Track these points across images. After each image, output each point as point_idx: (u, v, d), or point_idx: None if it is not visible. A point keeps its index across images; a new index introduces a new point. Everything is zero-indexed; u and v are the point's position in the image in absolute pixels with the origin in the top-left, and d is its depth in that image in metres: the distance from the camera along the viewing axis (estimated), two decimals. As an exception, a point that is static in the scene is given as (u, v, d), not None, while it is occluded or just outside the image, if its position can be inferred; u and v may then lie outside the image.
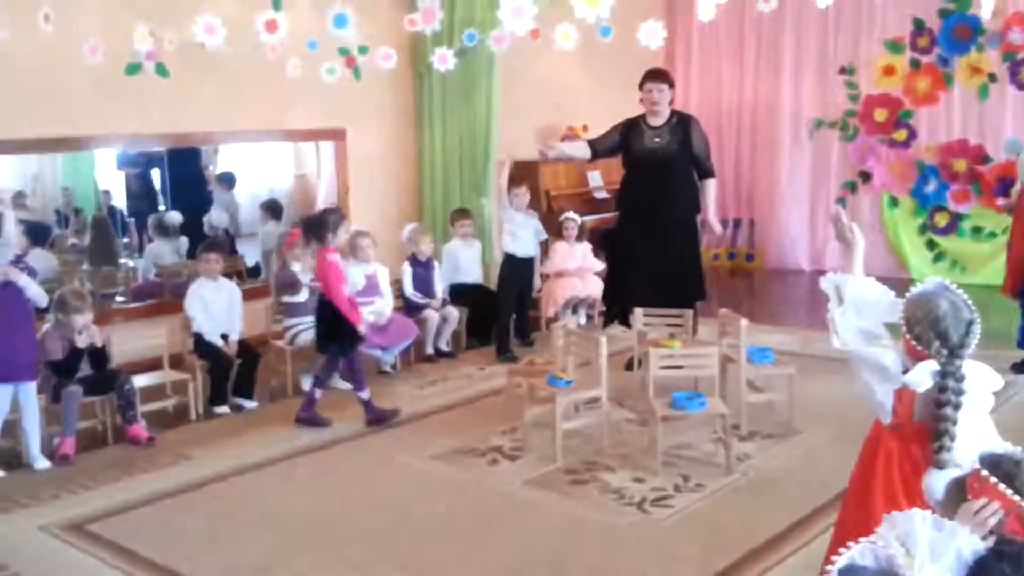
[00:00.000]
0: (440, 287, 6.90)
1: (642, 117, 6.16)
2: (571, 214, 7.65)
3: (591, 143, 6.37)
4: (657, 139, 6.05)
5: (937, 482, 2.29)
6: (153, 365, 5.76)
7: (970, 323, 2.42)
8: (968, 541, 1.80)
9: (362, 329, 5.41)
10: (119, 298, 6.87)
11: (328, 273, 5.27)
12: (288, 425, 5.45)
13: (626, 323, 6.19)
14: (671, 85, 6.12)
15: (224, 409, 5.71)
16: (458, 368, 6.59)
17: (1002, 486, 1.94)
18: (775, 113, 10.15)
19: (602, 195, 9.35)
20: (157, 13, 6.02)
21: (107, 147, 6.67)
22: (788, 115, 10.08)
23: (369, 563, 3.79)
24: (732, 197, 10.71)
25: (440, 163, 7.98)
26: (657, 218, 6.00)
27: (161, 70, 5.99)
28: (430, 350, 6.81)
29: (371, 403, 5.47)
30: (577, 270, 7.48)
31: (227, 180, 7.67)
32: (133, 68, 5.93)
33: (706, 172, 6.21)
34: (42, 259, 6.50)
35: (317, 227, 5.31)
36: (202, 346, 5.71)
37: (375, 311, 6.23)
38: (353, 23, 6.10)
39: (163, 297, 6.83)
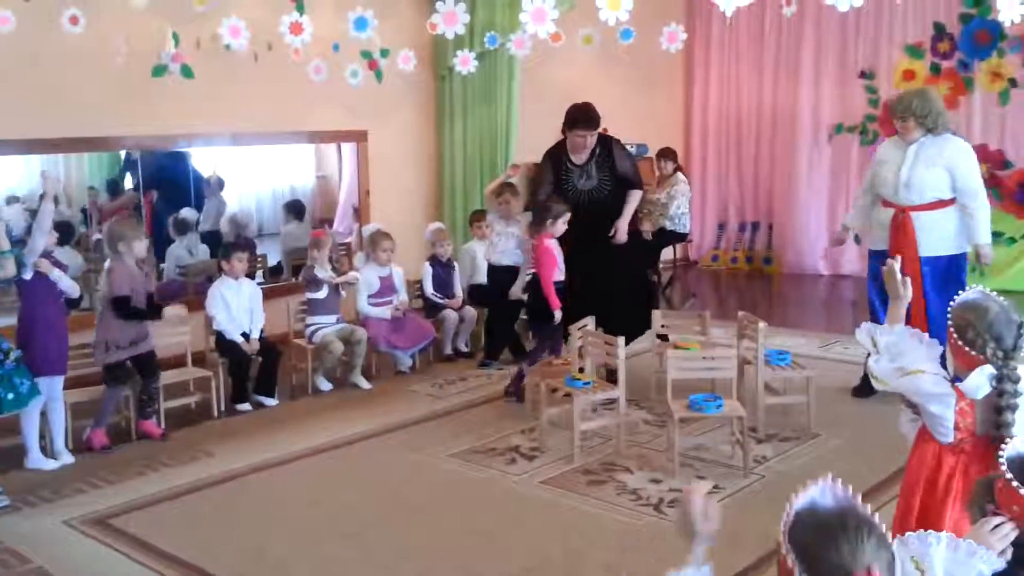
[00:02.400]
0: (460, 288, 6.95)
1: (564, 151, 5.93)
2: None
3: (530, 198, 6.23)
4: (585, 178, 5.89)
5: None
6: (176, 363, 5.83)
7: (1020, 325, 2.45)
8: (987, 560, 1.81)
9: (557, 315, 5.62)
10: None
11: (542, 257, 5.60)
12: (308, 422, 5.51)
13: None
14: (597, 128, 5.87)
15: (246, 406, 5.77)
16: (476, 368, 6.64)
17: None
18: (794, 117, 10.14)
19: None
20: (183, 15, 6.10)
21: (132, 148, 6.75)
22: (807, 119, 10.07)
23: (386, 560, 3.84)
24: (750, 201, 10.72)
25: (460, 165, 8.03)
26: (599, 251, 5.86)
27: (187, 71, 6.07)
28: (449, 350, 6.86)
29: (521, 379, 5.72)
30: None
31: (215, 183, 7.62)
32: (159, 70, 6.02)
33: (633, 186, 6.01)
34: (68, 257, 6.60)
35: (541, 213, 5.70)
36: (223, 344, 5.78)
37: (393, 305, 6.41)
38: (374, 26, 6.18)
39: (187, 295, 6.90)
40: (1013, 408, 2.39)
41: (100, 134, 6.21)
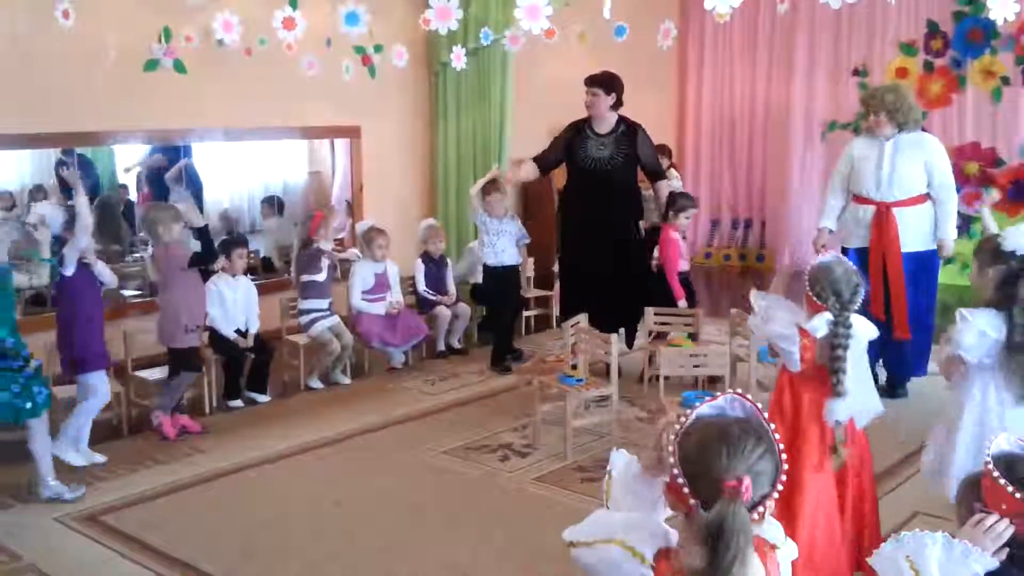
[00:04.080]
0: (452, 284, 6.94)
1: (588, 122, 6.01)
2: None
3: (537, 161, 6.17)
4: (602, 148, 5.92)
5: (835, 407, 3.13)
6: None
7: (857, 285, 3.18)
8: (981, 562, 1.83)
9: (682, 304, 5.82)
10: (135, 291, 6.91)
11: (666, 248, 5.93)
12: (300, 419, 5.50)
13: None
14: (608, 91, 5.90)
15: (238, 403, 5.76)
16: (469, 365, 6.63)
17: (1019, 494, 1.92)
18: (787, 114, 10.16)
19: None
20: (175, 10, 6.07)
21: (124, 143, 6.72)
22: (800, 116, 10.09)
23: (379, 557, 3.84)
24: (743, 197, 10.73)
25: (454, 161, 8.01)
26: (597, 232, 5.87)
27: (179, 66, 6.05)
28: (442, 347, 6.85)
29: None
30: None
31: (187, 179, 7.53)
32: (151, 64, 5.99)
33: (657, 176, 6.18)
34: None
35: (669, 204, 5.98)
36: (217, 340, 5.76)
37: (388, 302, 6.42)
38: (365, 21, 6.15)
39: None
40: (844, 346, 3.11)
41: (92, 129, 6.18)
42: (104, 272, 4.98)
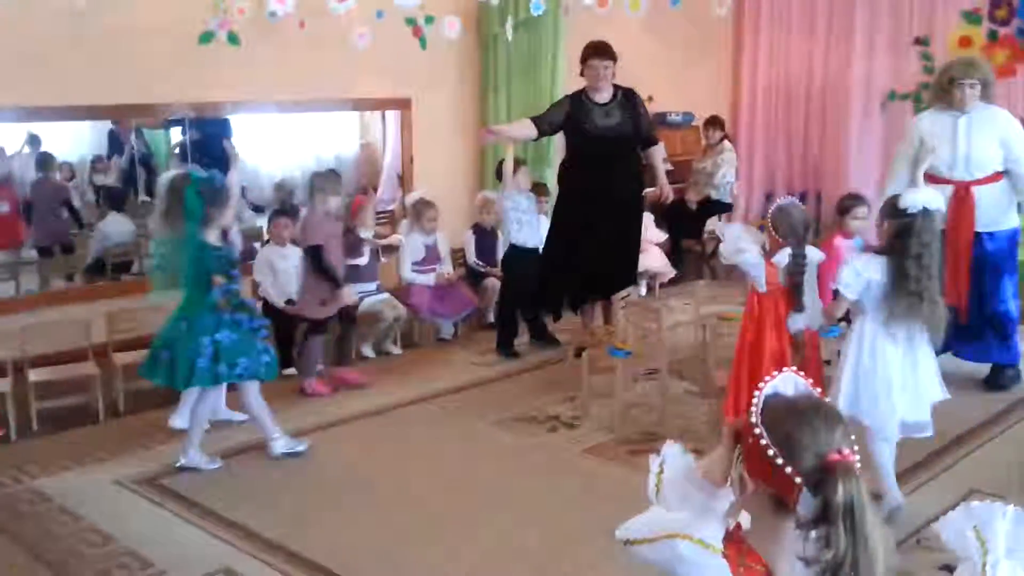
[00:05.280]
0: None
1: (585, 93, 5.80)
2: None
3: (535, 121, 5.85)
4: (608, 117, 5.74)
5: (797, 319, 4.07)
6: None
7: (809, 224, 4.13)
8: None
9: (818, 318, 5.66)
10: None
11: (831, 258, 5.07)
12: (349, 389, 5.56)
13: (558, 315, 6.16)
14: (615, 60, 5.74)
15: (290, 371, 5.84)
16: (520, 336, 6.63)
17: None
18: (845, 84, 9.91)
19: (666, 166, 9.26)
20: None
21: (178, 114, 6.81)
22: (859, 86, 9.83)
23: (427, 526, 3.89)
24: (799, 170, 10.54)
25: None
26: (604, 199, 5.71)
27: (233, 39, 6.10)
28: (491, 319, 6.87)
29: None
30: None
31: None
32: (206, 36, 6.04)
33: (653, 141, 6.00)
34: (120, 223, 6.72)
35: (836, 208, 5.45)
36: (268, 310, 5.83)
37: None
38: (419, -8, 6.14)
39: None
40: (802, 273, 4.01)
41: (147, 101, 6.27)
42: (237, 243, 5.04)
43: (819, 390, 1.71)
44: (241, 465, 4.55)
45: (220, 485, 4.31)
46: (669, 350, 5.05)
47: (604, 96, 5.76)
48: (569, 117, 5.79)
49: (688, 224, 8.57)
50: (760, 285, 4.09)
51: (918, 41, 9.39)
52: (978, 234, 5.25)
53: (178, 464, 4.47)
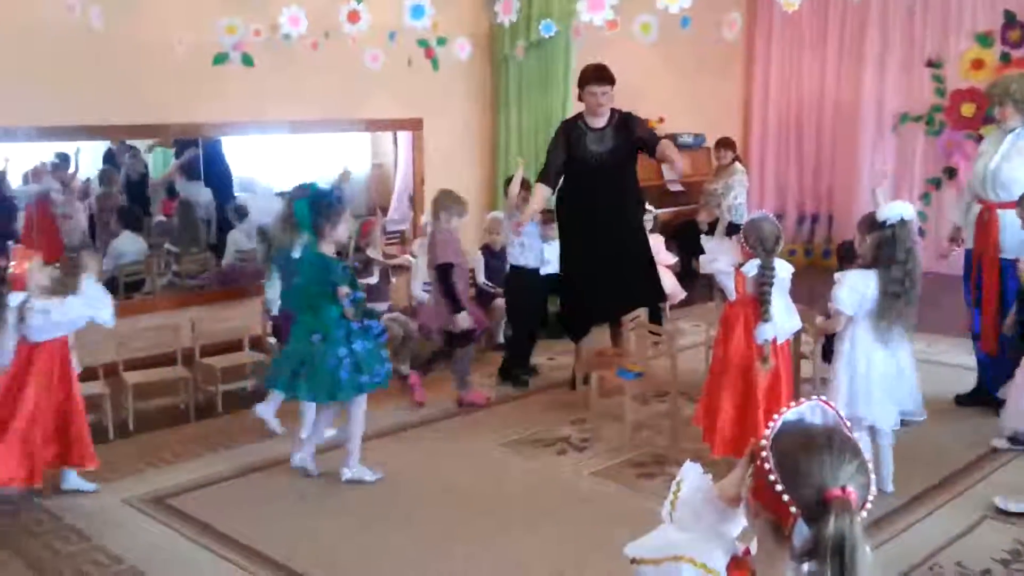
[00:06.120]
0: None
1: (581, 118, 5.70)
2: (647, 205, 7.58)
3: (545, 180, 5.70)
4: (601, 143, 5.62)
5: (763, 329, 4.20)
6: (233, 347, 5.92)
7: (778, 238, 4.25)
8: None
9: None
10: (203, 282, 7.06)
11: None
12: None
13: (582, 334, 5.92)
14: (613, 83, 5.60)
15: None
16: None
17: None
18: (857, 106, 9.93)
19: (676, 187, 9.29)
20: (244, 4, 6.17)
21: (190, 135, 6.86)
22: (871, 108, 9.85)
23: (434, 546, 3.87)
24: (810, 191, 10.54)
25: (516, 153, 7.99)
26: (606, 227, 5.56)
27: (247, 60, 6.15)
28: (500, 339, 6.86)
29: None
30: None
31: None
32: (220, 58, 6.10)
33: (656, 142, 5.65)
34: (132, 242, 6.75)
35: (837, 253, 5.61)
36: (279, 328, 5.84)
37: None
38: (431, 14, 6.18)
39: (244, 281, 6.99)
40: (770, 283, 4.17)
41: (160, 121, 6.32)
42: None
43: (796, 402, 1.69)
44: (252, 484, 4.54)
45: (230, 505, 4.30)
46: (679, 372, 5.02)
47: (600, 121, 5.64)
48: (566, 151, 5.69)
49: (699, 246, 8.54)
50: (730, 294, 4.32)
51: (930, 63, 9.40)
52: (1005, 260, 4.97)
53: (345, 479, 4.50)
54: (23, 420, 4.14)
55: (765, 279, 4.18)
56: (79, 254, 4.33)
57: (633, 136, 5.65)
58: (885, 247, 4.03)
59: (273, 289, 5.54)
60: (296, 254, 4.65)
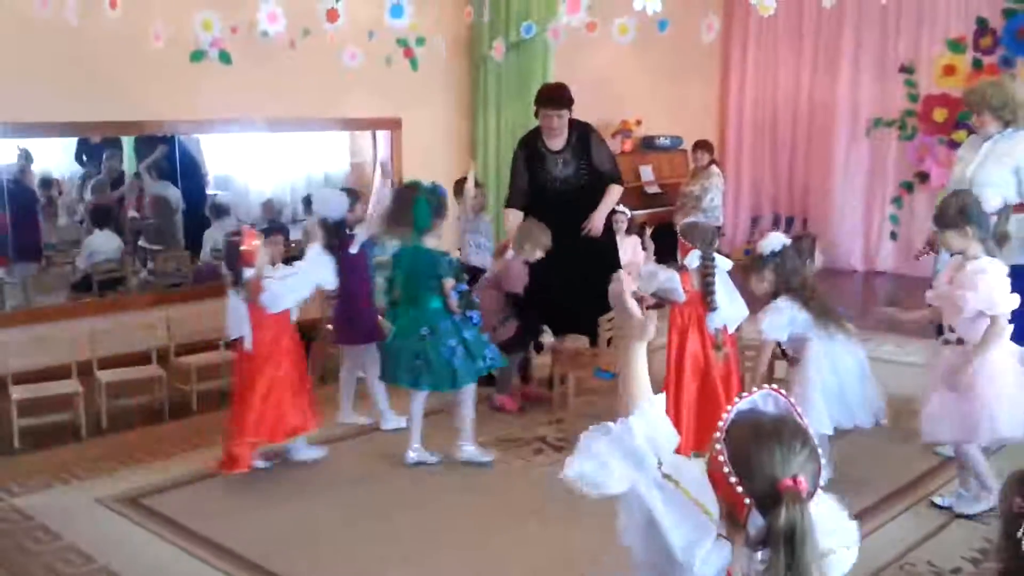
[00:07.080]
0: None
1: (539, 137, 5.60)
2: (621, 207, 7.61)
3: (513, 205, 5.66)
4: (565, 167, 5.54)
5: (712, 318, 4.35)
6: (209, 347, 5.89)
7: (715, 233, 4.55)
8: None
9: None
10: (179, 280, 7.02)
11: None
12: (332, 407, 5.53)
13: (539, 346, 5.89)
14: (570, 107, 5.51)
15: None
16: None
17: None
18: (832, 110, 10.03)
19: (654, 189, 9.34)
20: (221, 1, 6.13)
21: (168, 133, 6.82)
22: (845, 113, 9.96)
23: (413, 546, 3.87)
24: (785, 194, 10.63)
25: (494, 154, 8.02)
26: (571, 250, 5.41)
27: (224, 57, 6.12)
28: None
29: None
30: (626, 264, 7.46)
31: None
32: (197, 55, 6.06)
33: (611, 180, 5.64)
34: (108, 240, 6.70)
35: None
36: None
37: None
38: (409, 14, 6.17)
39: (221, 279, 6.94)
40: (712, 274, 4.33)
41: (137, 118, 6.28)
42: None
43: (748, 392, 1.73)
44: (227, 483, 4.50)
45: (204, 504, 4.28)
46: (653, 372, 5.03)
47: (558, 143, 5.55)
48: (527, 168, 5.62)
49: (675, 248, 8.59)
50: (679, 296, 4.38)
51: (903, 69, 9.51)
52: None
53: (462, 459, 4.65)
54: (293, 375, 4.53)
55: (708, 269, 4.32)
56: (309, 227, 4.75)
57: (590, 158, 5.58)
58: (780, 271, 4.26)
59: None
60: (390, 250, 4.77)
